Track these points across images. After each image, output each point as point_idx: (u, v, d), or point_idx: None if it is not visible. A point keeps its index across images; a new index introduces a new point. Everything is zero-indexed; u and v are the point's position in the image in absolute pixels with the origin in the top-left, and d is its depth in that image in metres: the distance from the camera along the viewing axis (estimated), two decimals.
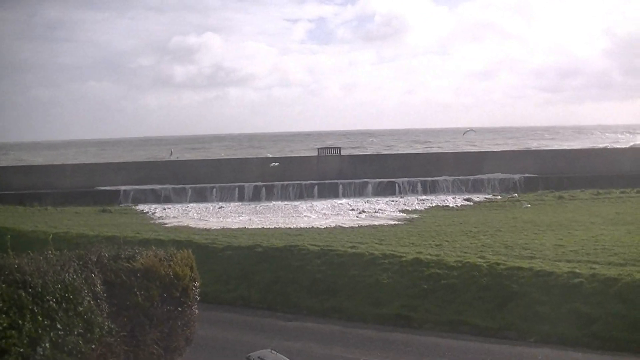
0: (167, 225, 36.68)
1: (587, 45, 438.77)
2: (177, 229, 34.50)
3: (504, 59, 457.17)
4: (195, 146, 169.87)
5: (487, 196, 47.69)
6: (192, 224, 37.06)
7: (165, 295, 13.68)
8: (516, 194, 47.84)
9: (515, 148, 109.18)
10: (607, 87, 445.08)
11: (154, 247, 14.84)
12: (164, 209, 45.90)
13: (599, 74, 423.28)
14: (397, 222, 35.32)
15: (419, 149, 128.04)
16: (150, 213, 44.12)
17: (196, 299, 14.71)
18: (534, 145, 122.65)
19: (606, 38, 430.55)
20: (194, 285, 14.56)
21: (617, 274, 20.34)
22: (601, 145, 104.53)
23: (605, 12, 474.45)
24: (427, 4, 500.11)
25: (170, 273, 13.83)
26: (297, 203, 48.15)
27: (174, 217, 41.57)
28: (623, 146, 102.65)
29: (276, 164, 54.52)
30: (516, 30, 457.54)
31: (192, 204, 49.32)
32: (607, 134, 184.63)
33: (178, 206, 48.00)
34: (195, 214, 43.30)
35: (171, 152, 54.72)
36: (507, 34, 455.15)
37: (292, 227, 34.40)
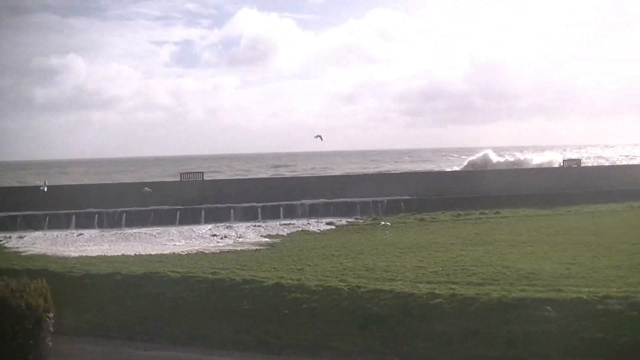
0: (22, 254, 35.39)
1: (449, 70, 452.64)
2: (32, 257, 33.33)
3: (368, 82, 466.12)
4: (54, 170, 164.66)
5: (349, 219, 48.27)
6: (49, 252, 35.91)
7: (16, 327, 13.24)
8: (378, 217, 48.57)
9: (377, 171, 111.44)
10: (468, 110, 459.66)
11: (5, 277, 14.36)
12: (20, 237, 44.20)
13: (460, 97, 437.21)
14: (259, 247, 35.35)
15: (282, 173, 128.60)
16: (4, 241, 42.48)
17: (50, 330, 14.29)
18: (400, 168, 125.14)
19: (466, 62, 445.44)
20: (47, 317, 14.15)
21: (475, 293, 21.22)
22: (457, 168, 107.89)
23: (466, 36, 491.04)
24: (293, 28, 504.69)
25: (23, 304, 13.40)
26: (158, 229, 47.43)
27: (30, 244, 40.15)
28: (482, 169, 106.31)
29: (149, 189, 53.53)
30: (380, 55, 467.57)
31: (49, 232, 47.71)
32: (463, 156, 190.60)
33: (35, 234, 46.32)
34: (52, 242, 41.95)
35: (45, 182, 52.55)
36: (372, 59, 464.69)
37: (152, 253, 33.87)
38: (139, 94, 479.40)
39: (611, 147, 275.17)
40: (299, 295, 22.42)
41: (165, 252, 34.38)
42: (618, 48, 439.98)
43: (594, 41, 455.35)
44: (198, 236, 42.72)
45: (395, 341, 19.68)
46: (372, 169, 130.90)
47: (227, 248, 35.43)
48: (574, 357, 18.00)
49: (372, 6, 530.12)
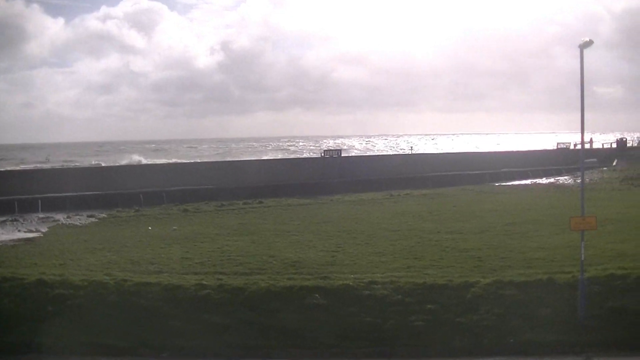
0: None
1: (205, 60, 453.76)
2: None
3: (124, 72, 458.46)
4: None
5: (110, 212, 47.32)
6: None
7: None
8: (140, 209, 47.96)
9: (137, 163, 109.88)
10: (226, 101, 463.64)
11: None
12: None
13: (218, 88, 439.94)
14: (16, 243, 33.85)
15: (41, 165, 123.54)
16: None
17: None
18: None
19: (222, 53, 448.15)
20: None
21: (243, 283, 21.78)
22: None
23: (221, 26, 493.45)
24: (40, 14, 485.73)
25: None
26: None
27: None
28: (249, 158, 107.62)
29: None
30: (136, 44, 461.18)
31: None
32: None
33: None
34: None
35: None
36: (126, 47, 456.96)
37: None
38: None
39: (368, 138, 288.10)
40: (64, 291, 21.69)
41: None
42: (371, 40, 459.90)
43: (349, 32, 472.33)
44: None
45: (168, 334, 19.63)
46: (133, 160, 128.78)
47: None
48: (344, 341, 18.78)
49: None
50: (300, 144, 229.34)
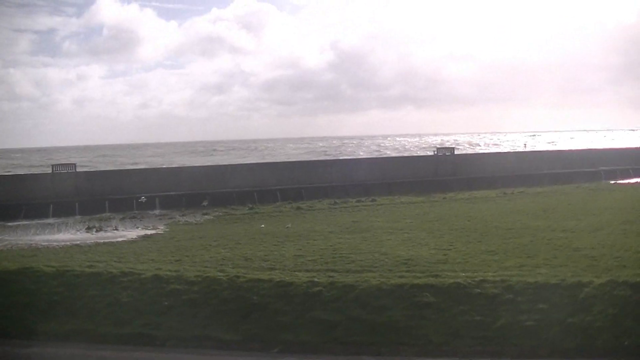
0: None
1: (315, 59, 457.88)
2: None
3: (235, 72, 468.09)
4: None
5: (225, 210, 48.17)
6: None
7: None
8: (254, 207, 48.63)
9: (252, 161, 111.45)
10: (338, 99, 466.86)
11: None
12: None
13: (329, 87, 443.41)
14: (135, 239, 34.87)
15: (158, 164, 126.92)
16: None
17: None
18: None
19: (331, 52, 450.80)
20: None
21: (354, 280, 21.61)
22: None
23: (330, 25, 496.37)
24: (154, 18, 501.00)
25: None
26: (31, 223, 46.17)
27: None
28: (358, 157, 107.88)
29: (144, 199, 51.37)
30: (246, 45, 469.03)
31: None
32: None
33: None
34: None
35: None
36: (237, 48, 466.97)
37: (25, 248, 32.90)
38: (1, 84, 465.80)
39: (479, 134, 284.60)
40: (178, 286, 22.20)
41: (38, 247, 33.51)
42: (481, 36, 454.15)
43: (459, 29, 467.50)
44: (73, 229, 41.76)
45: (278, 330, 19.82)
46: (250, 158, 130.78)
47: (102, 241, 34.75)
48: (454, 339, 18.56)
49: None
50: (412, 141, 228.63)
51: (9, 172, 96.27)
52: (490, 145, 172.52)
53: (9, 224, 46.32)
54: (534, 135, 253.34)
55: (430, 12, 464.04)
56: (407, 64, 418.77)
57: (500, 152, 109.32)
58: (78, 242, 34.27)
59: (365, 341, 19.00)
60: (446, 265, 23.55)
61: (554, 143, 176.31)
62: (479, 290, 20.22)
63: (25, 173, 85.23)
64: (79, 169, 60.83)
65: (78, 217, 48.64)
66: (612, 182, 62.20)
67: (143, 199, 51.48)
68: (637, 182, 60.88)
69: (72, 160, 73.60)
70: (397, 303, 20.09)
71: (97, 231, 39.94)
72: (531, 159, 74.02)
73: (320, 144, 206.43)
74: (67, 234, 39.25)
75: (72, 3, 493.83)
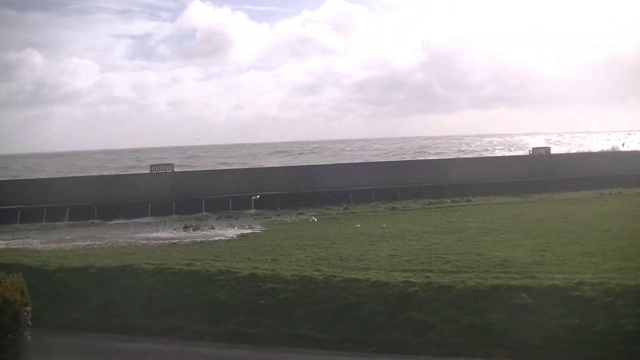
0: None
1: (406, 59, 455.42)
2: (4, 251, 33.06)
3: (327, 73, 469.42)
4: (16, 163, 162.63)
5: (319, 209, 48.35)
6: (21, 246, 35.64)
7: None
8: (348, 207, 48.72)
9: (346, 161, 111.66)
10: (430, 99, 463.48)
11: None
12: None
13: (421, 87, 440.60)
14: (231, 238, 35.36)
15: (250, 164, 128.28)
16: None
17: (28, 324, 14.23)
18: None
19: (422, 52, 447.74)
20: (25, 311, 14.03)
21: (450, 281, 21.45)
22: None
23: (421, 25, 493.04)
24: (246, 21, 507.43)
25: (0, 299, 13.34)
26: (130, 222, 47.33)
27: (1, 240, 39.65)
28: (452, 157, 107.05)
29: (257, 197, 52.62)
30: (336, 45, 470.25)
31: (19, 225, 47.38)
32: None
33: (6, 228, 45.86)
34: (24, 236, 41.49)
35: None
36: (327, 49, 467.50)
37: (125, 246, 33.76)
38: (100, 87, 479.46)
39: (575, 134, 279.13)
40: (275, 285, 22.47)
41: (137, 244, 34.29)
42: (577, 34, 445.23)
43: (553, 27, 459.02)
44: (170, 228, 42.57)
45: (372, 330, 19.85)
46: (342, 158, 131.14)
47: (199, 239, 35.35)
48: (551, 343, 18.25)
49: None
50: (506, 140, 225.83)
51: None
52: (583, 145, 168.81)
53: (109, 222, 47.54)
54: (629, 134, 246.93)
55: (522, 10, 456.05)
56: (499, 63, 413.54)
57: (596, 152, 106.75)
58: (176, 241, 35.03)
59: (460, 343, 18.83)
60: (543, 266, 23.13)
61: None
62: (576, 293, 19.81)
63: (126, 173, 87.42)
64: (175, 169, 61.93)
65: (175, 216, 49.61)
66: None
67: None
68: None
69: (168, 161, 75.00)
70: (493, 305, 19.85)
71: (194, 230, 40.66)
72: (628, 159, 72.12)
73: (412, 144, 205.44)
74: (165, 233, 40.09)
75: (167, 8, 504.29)
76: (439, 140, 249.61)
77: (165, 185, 55.55)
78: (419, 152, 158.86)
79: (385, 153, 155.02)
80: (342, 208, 48.31)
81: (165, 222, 46.10)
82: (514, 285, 20.61)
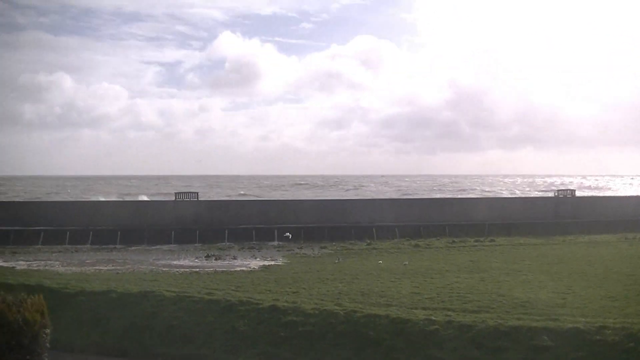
0: (16, 269, 35.39)
1: (433, 97, 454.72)
2: (27, 272, 33.36)
3: (354, 108, 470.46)
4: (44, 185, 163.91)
5: (343, 244, 48.47)
6: (43, 268, 36.00)
7: (14, 342, 13.36)
8: (372, 242, 48.78)
9: (370, 196, 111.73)
10: (456, 138, 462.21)
11: (1, 292, 14.50)
12: (13, 253, 44.26)
13: (447, 125, 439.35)
14: (253, 269, 35.51)
15: (274, 196, 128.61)
16: None
17: (47, 346, 14.39)
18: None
19: (449, 90, 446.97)
20: (44, 332, 14.21)
21: (471, 320, 21.34)
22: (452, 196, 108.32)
23: (448, 63, 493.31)
24: (275, 53, 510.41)
25: (20, 319, 13.50)
26: (153, 248, 47.71)
27: (23, 260, 40.13)
28: (477, 196, 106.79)
29: (289, 234, 52.70)
30: (364, 81, 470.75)
31: (42, 246, 47.91)
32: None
33: (28, 249, 46.37)
34: (47, 258, 41.91)
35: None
36: (355, 84, 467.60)
37: (147, 272, 33.99)
38: (129, 113, 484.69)
39: (600, 177, 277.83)
40: (295, 318, 22.50)
41: (159, 271, 34.50)
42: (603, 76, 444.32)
43: (577, 71, 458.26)
44: (193, 256, 42.81)
45: None
46: (365, 193, 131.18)
47: (221, 269, 35.51)
48: None
49: (356, 33, 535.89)
50: (533, 182, 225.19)
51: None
52: (607, 189, 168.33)
53: (132, 247, 47.92)
54: None
55: (549, 50, 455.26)
56: (526, 103, 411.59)
57: (622, 196, 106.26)
58: (197, 269, 35.25)
59: None
60: (565, 309, 23.00)
61: None
62: (598, 337, 19.73)
63: (150, 200, 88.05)
64: (201, 198, 62.33)
65: (198, 244, 50.01)
66: None
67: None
68: None
69: (193, 189, 75.36)
70: (513, 345, 19.77)
71: (216, 259, 40.93)
72: None
73: (437, 182, 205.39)
74: (187, 261, 40.37)
75: (198, 37, 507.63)
76: (464, 179, 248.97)
77: (189, 214, 55.95)
78: (441, 189, 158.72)
79: (409, 189, 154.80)
80: (365, 244, 48.42)
81: (187, 250, 46.47)
82: (534, 326, 20.52)
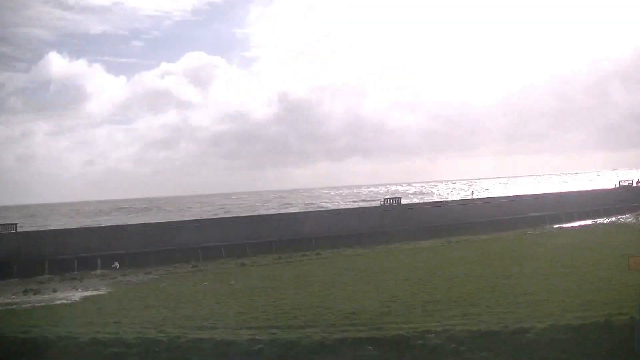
0: None
1: (262, 112, 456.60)
2: None
3: (182, 127, 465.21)
4: None
5: (168, 268, 47.52)
6: None
7: None
8: (197, 264, 48.21)
9: (197, 217, 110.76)
10: (285, 152, 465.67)
11: None
12: None
13: (275, 139, 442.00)
14: (75, 301, 34.11)
15: (99, 223, 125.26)
16: None
17: None
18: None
19: (279, 104, 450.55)
20: None
21: (296, 337, 21.48)
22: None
23: (278, 78, 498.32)
24: (103, 73, 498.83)
25: None
26: None
27: None
28: (303, 210, 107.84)
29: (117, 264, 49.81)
30: (192, 98, 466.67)
31: None
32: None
33: None
34: None
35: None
36: (184, 102, 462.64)
37: None
38: None
39: (427, 183, 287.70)
40: (117, 349, 21.80)
41: None
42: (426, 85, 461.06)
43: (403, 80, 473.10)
44: (9, 293, 40.72)
45: None
46: (188, 216, 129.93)
47: (40, 304, 33.90)
48: None
49: (187, 49, 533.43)
50: (361, 192, 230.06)
51: None
52: (432, 195, 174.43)
53: None
54: (472, 184, 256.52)
55: (376, 61, 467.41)
56: (353, 115, 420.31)
57: (446, 201, 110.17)
58: (14, 307, 33.41)
59: None
60: (390, 317, 23.51)
61: (500, 188, 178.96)
62: (421, 342, 20.12)
63: None
64: (20, 229, 59.50)
65: (15, 279, 47.48)
66: (556, 226, 63.31)
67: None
68: (582, 225, 62.23)
69: (11, 220, 72.26)
70: (338, 358, 19.92)
71: (34, 294, 38.98)
72: (477, 207, 74.73)
73: (264, 198, 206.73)
74: (2, 298, 38.22)
75: (22, 58, 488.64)
76: (290, 194, 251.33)
77: (7, 247, 53.23)
78: (265, 205, 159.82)
79: (236, 207, 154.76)
80: (191, 266, 47.81)
81: (4, 286, 44.03)
82: (359, 337, 20.84)
